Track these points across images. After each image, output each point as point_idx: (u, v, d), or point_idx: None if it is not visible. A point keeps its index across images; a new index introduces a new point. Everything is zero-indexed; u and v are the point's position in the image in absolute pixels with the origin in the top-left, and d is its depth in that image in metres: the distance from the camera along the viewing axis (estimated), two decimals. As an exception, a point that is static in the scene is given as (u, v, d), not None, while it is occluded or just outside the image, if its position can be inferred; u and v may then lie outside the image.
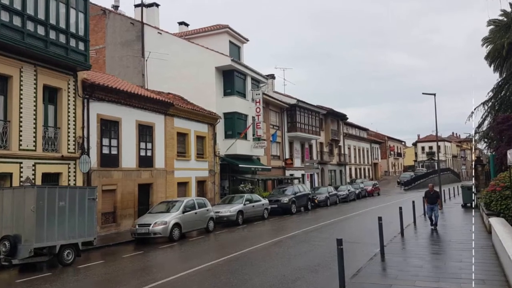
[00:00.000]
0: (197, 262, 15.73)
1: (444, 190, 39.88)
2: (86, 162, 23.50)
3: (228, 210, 28.64)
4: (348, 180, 72.19)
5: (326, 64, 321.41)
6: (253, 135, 40.34)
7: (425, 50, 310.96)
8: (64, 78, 22.66)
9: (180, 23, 46.41)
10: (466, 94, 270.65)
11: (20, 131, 20.05)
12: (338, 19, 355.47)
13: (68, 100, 22.92)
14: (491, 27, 41.41)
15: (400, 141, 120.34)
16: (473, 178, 42.40)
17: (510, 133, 29.60)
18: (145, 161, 28.67)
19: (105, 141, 25.69)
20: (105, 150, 25.63)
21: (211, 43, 39.58)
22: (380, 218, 15.57)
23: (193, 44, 39.12)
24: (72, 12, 22.61)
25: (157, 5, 43.05)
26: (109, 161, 25.84)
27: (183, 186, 32.45)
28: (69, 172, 22.71)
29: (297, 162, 54.18)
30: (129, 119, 27.34)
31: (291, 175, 51.50)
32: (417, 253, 15.42)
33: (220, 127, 37.31)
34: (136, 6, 41.62)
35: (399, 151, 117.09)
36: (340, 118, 71.85)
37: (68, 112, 22.89)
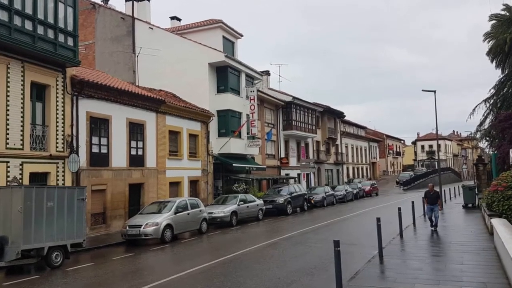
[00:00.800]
0: (190, 265, 15.77)
1: (444, 190, 40.05)
2: (75, 161, 23.51)
3: (222, 211, 28.65)
4: (345, 180, 72.28)
5: (323, 60, 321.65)
6: (248, 133, 40.44)
7: (425, 46, 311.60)
8: (52, 74, 22.66)
9: (172, 18, 46.37)
10: (467, 91, 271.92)
11: (7, 129, 20.03)
12: (335, 14, 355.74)
13: (57, 97, 22.92)
14: (493, 22, 41.45)
15: (399, 140, 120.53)
16: (475, 178, 42.49)
17: (512, 131, 29.67)
18: (136, 160, 28.69)
19: (95, 140, 25.70)
20: (95, 149, 25.64)
21: (204, 38, 39.56)
22: (378, 219, 15.62)
23: (185, 40, 39.12)
24: (61, 6, 22.60)
25: (149, -1, 43.01)
26: (99, 160, 25.84)
27: (175, 186, 32.47)
28: (57, 171, 22.72)
29: (292, 161, 54.23)
30: (119, 116, 27.36)
31: (287, 174, 51.54)
32: (417, 255, 15.47)
33: (213, 125, 37.35)
34: (126, 0, 41.59)
35: (398, 150, 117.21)
36: (337, 115, 71.84)
37: (57, 109, 22.89)
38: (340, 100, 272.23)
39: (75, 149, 23.74)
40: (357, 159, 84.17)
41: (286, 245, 19.65)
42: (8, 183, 19.56)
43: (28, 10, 20.61)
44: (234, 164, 37.38)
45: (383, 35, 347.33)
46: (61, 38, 22.43)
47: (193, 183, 34.67)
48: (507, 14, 40.15)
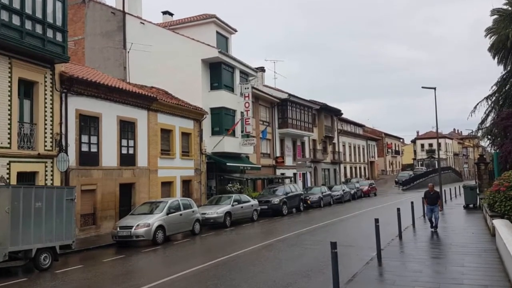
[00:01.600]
0: (182, 267, 15.84)
1: (445, 190, 40.17)
2: (64, 161, 23.47)
3: (215, 212, 28.69)
4: (342, 179, 72.36)
5: (320, 56, 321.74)
6: (242, 131, 40.44)
7: (425, 42, 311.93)
8: (40, 71, 22.61)
9: (164, 13, 46.38)
10: (468, 88, 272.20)
11: (-6, 127, 20.02)
12: (332, 8, 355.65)
13: (45, 94, 22.88)
14: (495, 16, 41.35)
15: (398, 138, 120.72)
16: (476, 178, 42.52)
17: (515, 129, 29.68)
18: (127, 159, 28.69)
19: (84, 138, 25.68)
20: (84, 148, 25.62)
21: (197, 34, 39.54)
22: (377, 220, 15.55)
23: (178, 35, 39.15)
24: (49, 1, 22.51)
25: (140, -7, 42.85)
26: (89, 159, 25.81)
27: (167, 186, 32.48)
28: (46, 171, 22.68)
29: (288, 161, 54.22)
30: (109, 114, 27.34)
31: (282, 174, 51.60)
32: (416, 257, 15.51)
33: (206, 123, 37.35)
34: (117, -6, 41.52)
35: (397, 149, 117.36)
36: (335, 113, 71.86)
37: (45, 107, 22.85)
38: (337, 98, 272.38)
39: (64, 148, 23.71)
40: (355, 158, 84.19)
41: (282, 247, 19.69)
42: (-5, 183, 19.51)
43: (16, 4, 20.53)
44: (228, 164, 37.39)
45: (382, 30, 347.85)
46: (49, 33, 22.38)
47: (186, 183, 34.68)
48: (510, 8, 40.14)
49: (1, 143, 20.24)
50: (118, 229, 22.42)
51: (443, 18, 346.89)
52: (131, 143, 29.15)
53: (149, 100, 30.49)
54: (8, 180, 20.26)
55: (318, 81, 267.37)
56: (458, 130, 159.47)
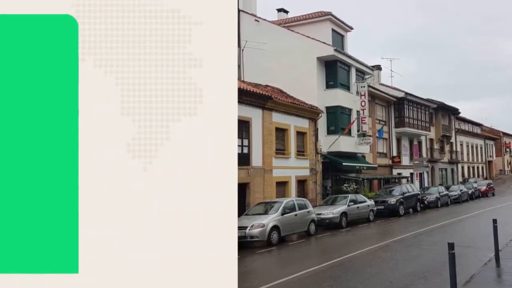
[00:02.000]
0: (297, 268, 15.40)
1: None
2: (180, 160, 23.11)
3: (331, 212, 27.79)
4: (460, 179, 69.97)
5: (435, 54, 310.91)
6: (358, 130, 39.12)
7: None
8: (156, 69, 22.29)
9: (279, 10, 45.44)
10: None
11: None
12: (448, 4, 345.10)
13: (161, 93, 22.55)
14: None
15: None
16: None
17: None
18: (241, 159, 27.90)
19: (200, 137, 25.19)
20: (200, 147, 25.12)
21: (312, 31, 38.41)
22: (495, 221, 15.06)
23: (293, 33, 38.14)
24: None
25: (255, -9, 42.37)
26: (204, 158, 25.30)
27: (282, 186, 31.63)
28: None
29: (405, 160, 52.56)
30: (225, 113, 26.69)
31: (399, 174, 50.13)
32: (536, 259, 14.81)
33: (322, 122, 36.23)
34: (232, -7, 41.18)
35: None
36: (452, 112, 69.42)
37: (161, 106, 22.51)
38: (453, 96, 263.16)
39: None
40: (473, 158, 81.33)
41: (398, 248, 19.13)
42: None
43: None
44: (344, 163, 36.19)
45: (498, 27, 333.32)
46: (165, 31, 22.04)
47: (301, 183, 33.72)
48: None
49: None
50: (233, 229, 21.75)
51: None
52: (245, 142, 28.48)
53: (264, 98, 29.71)
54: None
55: (432, 79, 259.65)
56: None
